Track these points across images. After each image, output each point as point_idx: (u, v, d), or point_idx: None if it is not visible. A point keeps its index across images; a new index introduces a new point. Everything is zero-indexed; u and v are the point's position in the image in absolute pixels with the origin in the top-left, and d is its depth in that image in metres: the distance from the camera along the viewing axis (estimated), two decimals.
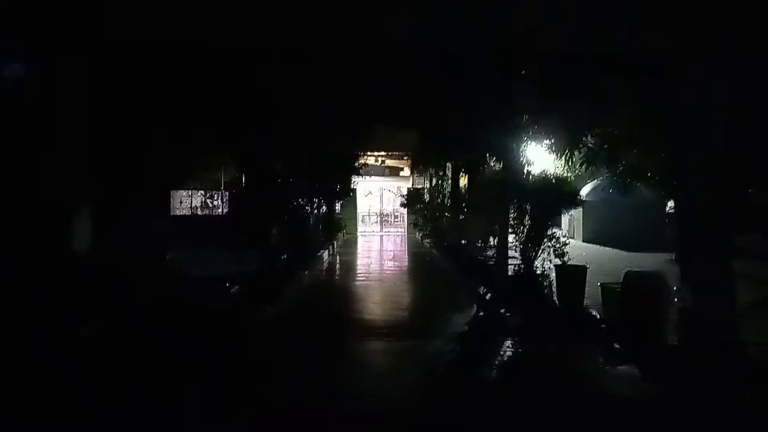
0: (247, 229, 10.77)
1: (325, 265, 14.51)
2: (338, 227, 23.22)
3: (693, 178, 5.31)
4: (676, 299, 5.75)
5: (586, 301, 8.00)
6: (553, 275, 8.93)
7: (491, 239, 12.53)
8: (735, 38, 4.80)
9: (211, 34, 7.82)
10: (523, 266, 9.90)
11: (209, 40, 8.88)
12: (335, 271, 13.69)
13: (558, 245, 9.53)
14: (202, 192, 14.24)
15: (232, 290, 8.13)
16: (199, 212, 13.47)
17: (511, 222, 10.68)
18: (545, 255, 9.77)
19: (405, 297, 10.26)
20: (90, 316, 5.15)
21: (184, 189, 14.62)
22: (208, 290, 7.06)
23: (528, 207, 10.46)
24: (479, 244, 13.07)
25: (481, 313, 8.47)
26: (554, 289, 8.71)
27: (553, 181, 10.79)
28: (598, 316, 7.17)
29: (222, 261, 9.01)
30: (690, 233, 5.40)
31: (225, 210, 12.39)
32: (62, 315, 5.20)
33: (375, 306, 9.16)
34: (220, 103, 11.66)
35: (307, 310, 8.60)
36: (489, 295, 9.14)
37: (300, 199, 15.99)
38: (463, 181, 16.32)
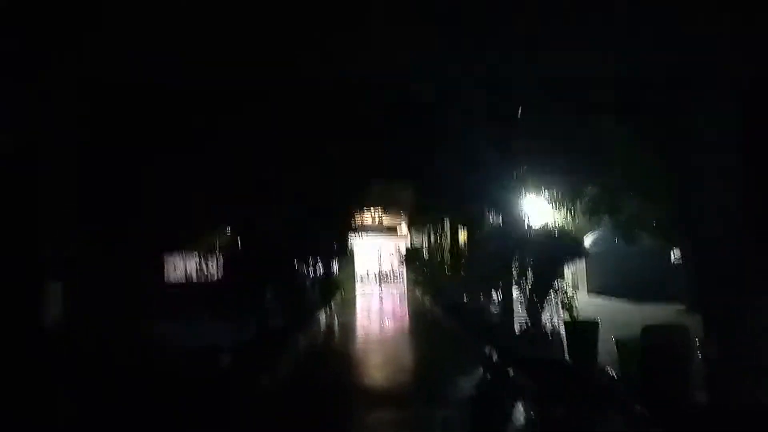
0: (240, 294, 10.34)
1: (323, 327, 13.97)
2: (336, 288, 22.73)
3: (709, 226, 4.98)
4: (700, 356, 5.33)
5: (599, 358, 7.54)
6: (561, 330, 8.50)
7: (494, 295, 12.10)
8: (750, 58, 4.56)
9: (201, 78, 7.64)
10: (529, 323, 9.46)
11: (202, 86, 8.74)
12: (333, 334, 13.13)
13: (566, 299, 9.11)
14: (198, 256, 13.89)
15: (222, 360, 7.64)
16: (194, 278, 13.07)
17: (515, 277, 10.34)
18: (552, 309, 9.37)
19: (407, 360, 9.72)
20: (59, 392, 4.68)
21: (178, 253, 14.27)
22: (196, 361, 6.59)
23: (531, 260, 10.14)
24: (481, 301, 12.60)
25: (488, 375, 7.95)
26: (564, 345, 8.25)
27: (556, 232, 10.53)
28: (615, 375, 6.68)
29: (213, 330, 8.58)
30: (711, 285, 5.01)
31: (220, 275, 11.96)
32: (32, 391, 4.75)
33: (375, 370, 8.62)
34: (212, 161, 11.52)
35: (302, 377, 8.06)
36: (495, 355, 8.64)
37: (295, 261, 15.62)
38: (463, 236, 16.01)
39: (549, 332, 8.95)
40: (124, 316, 6.63)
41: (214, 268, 13.03)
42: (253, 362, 7.75)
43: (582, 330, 8.03)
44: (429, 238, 21.73)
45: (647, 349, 5.58)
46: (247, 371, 7.25)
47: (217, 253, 12.47)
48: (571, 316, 8.87)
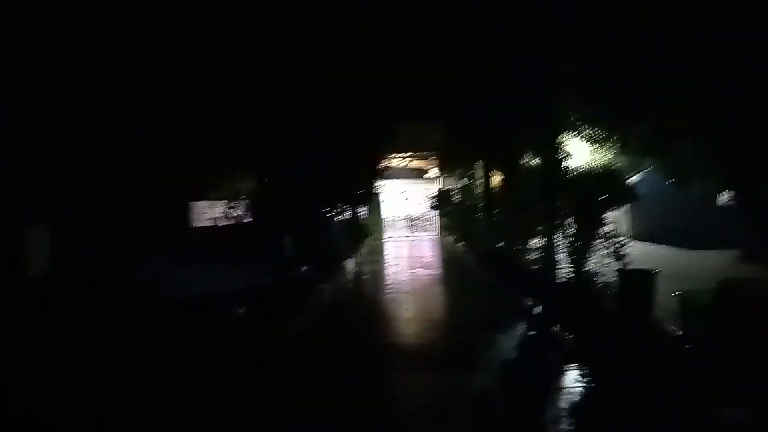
0: (261, 240, 9.75)
1: (350, 275, 13.40)
2: (364, 233, 22.16)
3: None
4: None
5: (655, 314, 6.75)
6: (610, 281, 7.70)
7: (533, 242, 11.26)
8: None
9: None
10: (574, 272, 8.66)
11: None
12: (360, 283, 12.55)
13: (617, 245, 8.25)
14: (218, 200, 13.35)
15: (236, 310, 7.09)
16: (212, 223, 12.54)
17: (556, 222, 9.52)
18: (598, 257, 8.55)
19: (441, 314, 9.06)
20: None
21: (204, 200, 13.77)
22: (204, 310, 6.02)
23: (574, 203, 9.26)
24: (520, 249, 11.79)
25: (531, 332, 7.22)
26: (614, 299, 7.45)
27: (601, 172, 9.58)
28: (679, 334, 5.89)
29: (228, 276, 8.03)
30: None
31: (240, 220, 11.39)
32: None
33: (406, 326, 7.99)
34: (234, 102, 10.76)
35: (324, 331, 7.49)
36: (538, 308, 7.89)
37: (321, 206, 14.97)
38: (498, 178, 15.04)
39: (596, 283, 8.14)
40: (130, 260, 6.09)
41: (234, 212, 12.49)
42: (269, 313, 7.19)
43: (636, 281, 7.19)
44: (461, 181, 20.76)
45: (726, 307, 4.74)
46: (261, 323, 6.67)
47: (238, 198, 11.85)
48: (622, 264, 8.04)
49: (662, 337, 5.93)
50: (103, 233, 6.62)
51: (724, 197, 16.64)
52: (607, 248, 8.48)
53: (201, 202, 14.11)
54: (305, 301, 8.66)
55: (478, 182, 18.48)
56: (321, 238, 13.42)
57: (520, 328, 7.46)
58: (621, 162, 12.24)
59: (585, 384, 5.02)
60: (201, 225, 13.61)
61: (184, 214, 12.93)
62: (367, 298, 10.56)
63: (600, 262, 8.41)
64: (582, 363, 5.45)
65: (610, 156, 12.96)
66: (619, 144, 13.25)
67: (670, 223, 15.83)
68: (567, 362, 5.60)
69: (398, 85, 13.56)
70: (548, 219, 10.16)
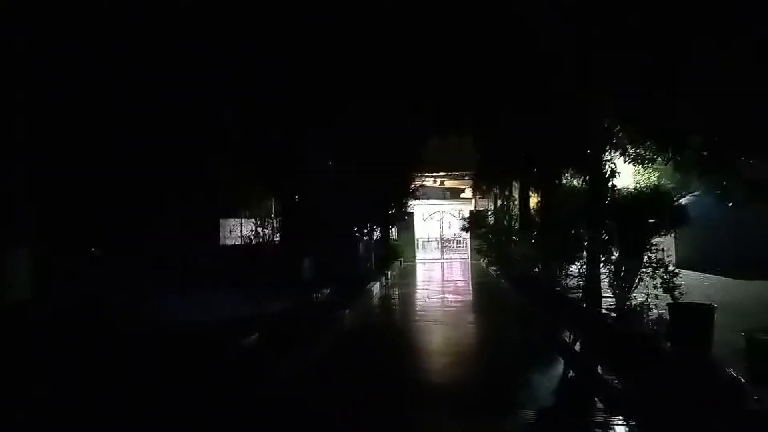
0: (275, 261, 9.29)
1: (375, 300, 12.79)
2: (394, 255, 21.58)
3: None
4: None
5: (714, 353, 5.97)
6: (658, 314, 6.95)
7: (572, 268, 10.52)
8: None
9: None
10: (619, 304, 7.91)
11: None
12: (385, 309, 11.91)
13: (666, 275, 7.46)
14: (254, 221, 13.02)
15: (246, 339, 6.58)
16: (232, 244, 12.17)
17: (598, 246, 8.84)
18: (644, 287, 7.81)
19: (470, 346, 8.37)
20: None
21: (232, 218, 13.44)
22: (200, 340, 5.53)
23: (618, 227, 8.57)
24: (558, 275, 11.03)
25: (572, 373, 6.49)
26: (665, 335, 6.68)
27: (651, 193, 8.88)
28: (743, 380, 5.12)
29: (238, 302, 7.55)
30: None
31: (258, 241, 10.94)
32: None
33: (430, 360, 7.34)
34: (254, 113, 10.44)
35: (338, 364, 6.90)
36: (578, 344, 7.15)
37: (348, 225, 14.51)
38: (534, 200, 14.34)
39: (644, 316, 7.38)
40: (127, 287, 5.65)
41: (251, 231, 12.12)
42: (279, 343, 6.65)
43: (692, 316, 6.42)
44: (495, 202, 20.06)
45: None
46: (267, 354, 6.13)
47: (258, 216, 11.44)
48: (672, 297, 7.26)
49: (726, 383, 5.15)
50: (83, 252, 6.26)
51: None
52: (656, 277, 7.72)
53: (218, 219, 13.81)
54: (322, 330, 8.11)
55: (512, 204, 17.77)
56: (345, 259, 12.91)
57: (559, 368, 6.72)
58: (670, 182, 11.44)
59: None
60: (214, 245, 13.25)
61: (195, 232, 12.53)
62: (391, 326, 9.93)
63: (648, 293, 7.65)
64: (630, 413, 4.74)
65: (658, 176, 12.14)
66: (670, 163, 12.46)
67: (717, 250, 14.74)
68: (612, 411, 4.88)
69: (433, 101, 13.04)
70: (591, 244, 9.48)
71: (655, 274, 7.73)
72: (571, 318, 8.20)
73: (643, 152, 11.06)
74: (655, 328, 6.89)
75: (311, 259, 10.00)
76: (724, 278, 12.30)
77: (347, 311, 9.52)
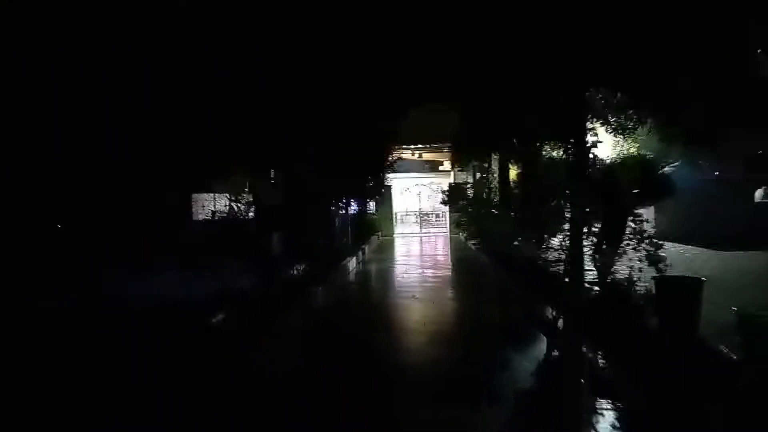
0: (247, 238, 8.84)
1: (350, 276, 12.45)
2: (371, 229, 21.26)
3: None
4: None
5: (702, 330, 5.76)
6: (643, 288, 6.70)
7: (554, 241, 10.25)
8: None
9: None
10: (602, 278, 7.65)
11: None
12: (360, 286, 11.55)
13: (651, 247, 7.20)
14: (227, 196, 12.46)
15: (213, 319, 6.18)
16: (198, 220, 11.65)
17: (580, 218, 8.57)
18: (630, 261, 7.55)
19: (449, 324, 8.07)
20: None
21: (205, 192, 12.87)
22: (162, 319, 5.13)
23: (600, 198, 8.30)
24: (538, 248, 10.77)
25: (555, 352, 6.22)
26: (651, 310, 6.44)
27: (635, 163, 8.62)
28: (735, 359, 4.88)
29: (203, 280, 7.12)
30: None
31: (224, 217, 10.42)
32: None
33: (407, 339, 7.02)
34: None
35: (308, 346, 6.54)
36: (561, 320, 6.89)
37: (323, 199, 14.07)
38: (514, 172, 14.04)
39: (629, 291, 7.13)
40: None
41: (228, 209, 11.62)
42: (240, 324, 6.26)
43: (679, 290, 6.18)
44: (474, 175, 19.74)
45: None
46: (226, 339, 5.74)
47: (234, 194, 10.91)
48: (657, 269, 7.02)
49: (718, 363, 4.91)
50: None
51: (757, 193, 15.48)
52: (640, 249, 7.47)
53: (190, 194, 13.24)
54: (293, 308, 7.73)
55: (493, 175, 17.47)
56: (321, 234, 12.49)
57: (542, 348, 6.45)
58: (654, 153, 11.20)
59: (619, 420, 4.04)
60: (186, 221, 12.72)
61: (166, 207, 11.99)
62: (367, 303, 9.58)
63: (632, 266, 7.39)
64: (618, 396, 4.47)
65: (638, 147, 11.90)
66: (654, 133, 12.21)
67: (697, 222, 14.67)
68: (600, 394, 4.61)
69: (409, 69, 12.52)
70: (572, 215, 9.22)
71: (639, 246, 7.51)
72: (553, 293, 7.94)
73: (624, 122, 10.82)
74: (641, 303, 6.65)
75: (283, 235, 9.55)
76: (703, 250, 12.19)
77: (320, 288, 9.15)
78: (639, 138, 11.65)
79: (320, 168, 13.29)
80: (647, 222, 7.69)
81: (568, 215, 9.10)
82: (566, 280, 8.52)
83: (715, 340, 5.36)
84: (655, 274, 6.88)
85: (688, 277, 6.38)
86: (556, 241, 10.32)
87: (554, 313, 7.11)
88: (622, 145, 11.98)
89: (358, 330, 7.24)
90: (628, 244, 7.52)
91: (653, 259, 7.14)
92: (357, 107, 13.92)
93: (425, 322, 7.75)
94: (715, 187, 14.86)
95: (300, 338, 6.81)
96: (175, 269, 8.22)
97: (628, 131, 11.04)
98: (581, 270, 7.80)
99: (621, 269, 7.51)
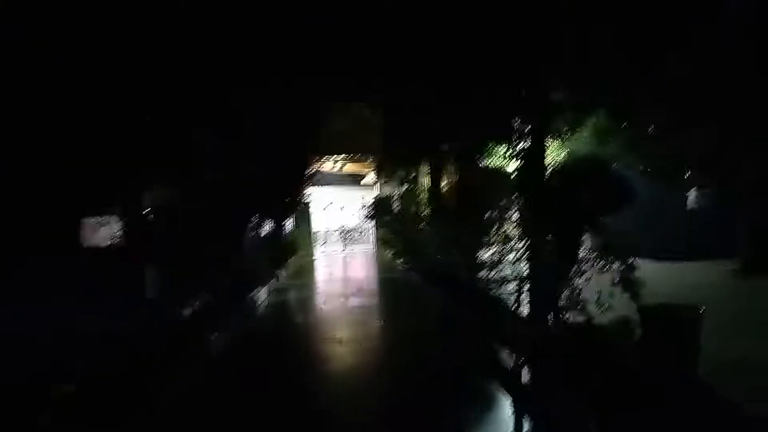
0: (126, 269, 6.94)
1: (260, 311, 10.57)
2: (289, 250, 19.44)
3: None
4: None
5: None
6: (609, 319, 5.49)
7: (500, 257, 8.92)
8: None
9: None
10: (559, 304, 6.34)
11: None
12: (272, 325, 9.53)
13: (626, 267, 6.01)
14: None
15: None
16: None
17: (532, 232, 7.43)
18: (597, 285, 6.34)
19: (385, 377, 6.42)
20: None
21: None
22: None
23: (556, 208, 7.13)
24: (481, 267, 9.44)
25: (524, 418, 4.78)
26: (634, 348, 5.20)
27: (591, 164, 7.55)
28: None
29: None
30: None
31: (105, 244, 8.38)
32: None
33: (327, 410, 5.35)
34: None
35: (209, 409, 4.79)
36: (526, 369, 5.50)
37: (227, 220, 12.24)
38: (449, 179, 12.81)
39: (601, 322, 5.86)
40: None
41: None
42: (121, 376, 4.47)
43: (672, 322, 4.96)
44: (403, 185, 18.44)
45: None
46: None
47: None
48: (632, 296, 5.82)
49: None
50: None
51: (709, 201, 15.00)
52: (609, 269, 6.27)
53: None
54: (186, 354, 5.94)
55: (423, 187, 16.22)
56: (223, 262, 10.65)
57: (505, 408, 5.01)
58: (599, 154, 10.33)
59: None
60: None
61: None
62: (279, 352, 7.57)
63: (599, 291, 6.16)
64: None
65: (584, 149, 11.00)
66: (592, 134, 11.35)
67: (651, 233, 13.95)
68: None
69: (328, 71, 11.00)
70: (522, 227, 8.05)
71: (607, 265, 6.32)
72: (504, 329, 6.57)
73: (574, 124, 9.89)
74: (621, 339, 5.39)
75: (161, 267, 7.64)
76: (655, 262, 11.34)
77: (214, 334, 7.33)
78: (581, 141, 10.76)
79: (223, 179, 11.50)
80: (621, 235, 6.54)
81: (516, 230, 7.88)
82: (518, 310, 7.22)
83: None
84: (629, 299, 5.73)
85: (679, 304, 5.17)
86: (499, 257, 9.02)
87: (514, 358, 5.70)
88: (567, 148, 10.98)
89: (266, 399, 5.52)
90: (592, 263, 6.33)
91: (627, 283, 5.97)
92: (275, 112, 12.27)
93: (357, 377, 6.13)
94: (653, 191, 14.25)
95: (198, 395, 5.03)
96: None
97: (575, 132, 10.07)
98: (538, 297, 6.49)
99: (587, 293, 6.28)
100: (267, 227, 17.75)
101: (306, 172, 18.37)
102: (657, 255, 12.51)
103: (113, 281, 6.54)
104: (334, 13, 8.72)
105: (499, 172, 10.73)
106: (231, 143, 11.64)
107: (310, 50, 9.63)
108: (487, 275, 9.11)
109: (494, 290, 8.96)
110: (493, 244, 9.21)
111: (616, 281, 5.90)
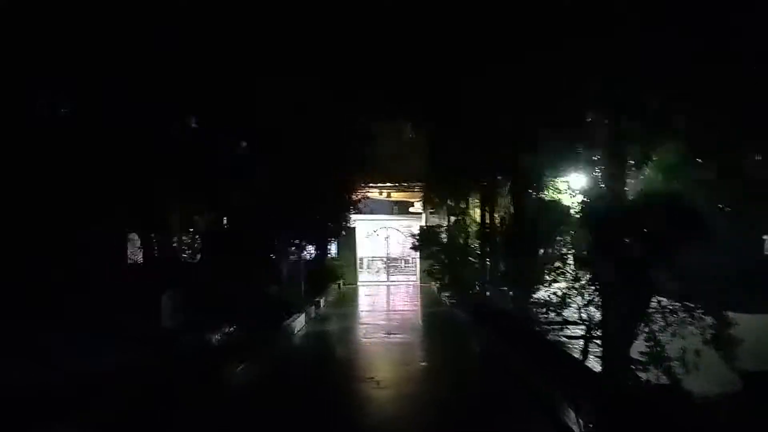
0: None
1: (294, 343, 9.83)
2: (331, 277, 18.85)
3: None
4: None
5: None
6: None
7: (556, 298, 7.98)
8: None
9: None
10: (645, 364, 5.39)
11: None
12: (303, 363, 8.52)
13: (718, 321, 5.09)
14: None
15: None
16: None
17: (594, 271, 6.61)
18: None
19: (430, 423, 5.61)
20: None
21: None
22: None
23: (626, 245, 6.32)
24: (537, 307, 8.53)
25: None
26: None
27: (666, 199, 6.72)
28: None
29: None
30: None
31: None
32: None
33: None
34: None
35: None
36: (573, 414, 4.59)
37: (266, 242, 11.71)
38: (503, 212, 11.94)
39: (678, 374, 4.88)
40: None
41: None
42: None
43: None
44: (449, 217, 17.62)
45: None
46: None
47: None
48: (726, 356, 4.88)
49: None
50: None
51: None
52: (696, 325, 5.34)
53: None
54: (202, 392, 5.27)
55: (471, 218, 15.38)
56: (258, 287, 10.07)
57: None
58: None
59: None
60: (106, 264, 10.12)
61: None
62: (308, 392, 6.62)
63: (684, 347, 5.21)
64: None
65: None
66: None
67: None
68: None
69: (378, 84, 10.46)
70: (583, 264, 7.23)
71: (694, 320, 5.38)
72: (570, 381, 5.65)
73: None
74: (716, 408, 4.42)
75: (178, 292, 7.00)
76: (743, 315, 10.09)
77: (242, 365, 6.65)
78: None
79: (267, 200, 10.99)
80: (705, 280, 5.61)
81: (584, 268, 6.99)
82: (585, 359, 6.30)
83: None
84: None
85: None
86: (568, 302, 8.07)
87: (580, 421, 4.77)
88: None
89: None
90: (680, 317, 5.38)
91: (720, 340, 5.03)
92: (315, 128, 11.76)
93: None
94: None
95: None
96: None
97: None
98: (615, 348, 5.57)
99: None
100: (311, 252, 17.20)
101: (352, 198, 17.85)
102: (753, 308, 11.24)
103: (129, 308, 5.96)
104: None
105: (557, 204, 9.89)
106: (271, 162, 11.15)
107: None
108: (545, 316, 8.21)
109: (554, 333, 8.07)
110: (550, 281, 8.35)
111: (707, 338, 4.97)
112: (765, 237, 13.58)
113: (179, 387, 4.97)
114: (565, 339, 8.17)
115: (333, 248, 21.89)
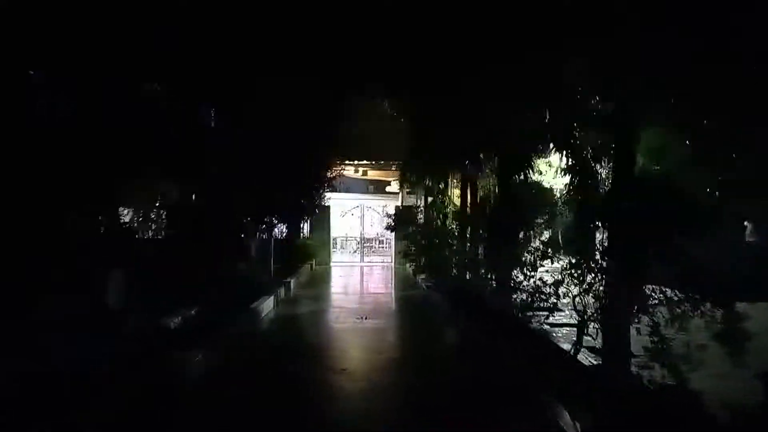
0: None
1: (260, 327, 9.16)
2: (303, 257, 18.20)
3: None
4: None
5: None
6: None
7: (542, 282, 7.45)
8: None
9: None
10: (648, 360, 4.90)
11: None
12: (268, 349, 7.71)
13: (726, 312, 4.63)
14: None
15: None
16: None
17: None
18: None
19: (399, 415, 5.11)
20: None
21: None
22: None
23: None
24: (520, 292, 8.01)
25: None
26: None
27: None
28: None
29: None
30: None
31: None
32: None
33: None
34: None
35: None
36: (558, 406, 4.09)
37: (241, 217, 11.03)
38: (485, 190, 11.42)
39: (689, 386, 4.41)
40: None
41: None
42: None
43: None
44: (427, 197, 17.06)
45: None
46: None
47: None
48: (733, 351, 4.43)
49: None
50: None
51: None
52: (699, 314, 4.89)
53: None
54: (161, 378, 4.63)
55: (450, 198, 14.84)
56: (224, 267, 9.38)
57: None
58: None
59: None
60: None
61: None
62: (269, 388, 6.01)
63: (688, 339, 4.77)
64: None
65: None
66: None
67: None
68: None
69: (355, 54, 9.73)
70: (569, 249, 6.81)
71: (697, 308, 4.93)
72: (561, 376, 5.14)
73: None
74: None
75: (132, 271, 6.31)
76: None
77: (201, 352, 6.00)
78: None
79: (237, 175, 10.25)
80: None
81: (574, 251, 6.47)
82: (576, 354, 5.81)
83: None
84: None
85: None
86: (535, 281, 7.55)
87: (576, 424, 4.26)
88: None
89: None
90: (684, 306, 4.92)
91: (726, 335, 4.57)
92: (288, 100, 11.00)
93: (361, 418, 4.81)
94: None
95: None
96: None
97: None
98: (621, 346, 5.06)
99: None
100: (282, 231, 16.55)
101: (327, 175, 17.14)
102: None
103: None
104: None
105: (539, 187, 9.41)
106: (242, 136, 10.40)
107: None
108: (528, 302, 7.69)
109: (536, 321, 7.57)
110: (534, 266, 7.84)
111: (715, 332, 4.50)
112: (746, 223, 13.34)
113: (112, 382, 4.31)
114: (548, 327, 7.70)
115: (306, 227, 21.24)
